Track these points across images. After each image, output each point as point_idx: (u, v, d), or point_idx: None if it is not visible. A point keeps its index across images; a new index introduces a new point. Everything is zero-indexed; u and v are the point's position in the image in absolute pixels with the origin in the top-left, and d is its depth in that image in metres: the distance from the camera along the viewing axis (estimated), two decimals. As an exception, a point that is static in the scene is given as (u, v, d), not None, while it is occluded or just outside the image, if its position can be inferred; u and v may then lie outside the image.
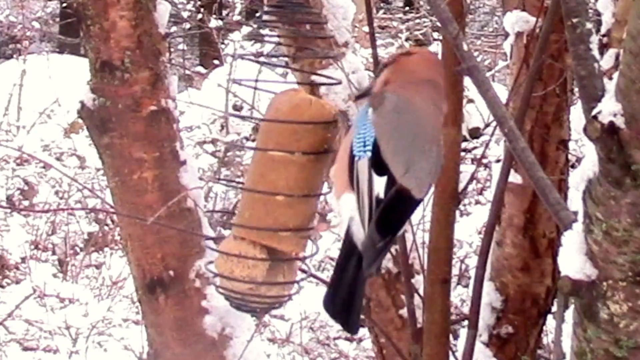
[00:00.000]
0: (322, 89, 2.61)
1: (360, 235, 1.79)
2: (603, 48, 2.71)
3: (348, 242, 1.81)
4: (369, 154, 1.80)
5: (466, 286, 5.35)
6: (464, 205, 6.53)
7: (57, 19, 13.71)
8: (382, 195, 1.78)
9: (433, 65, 1.89)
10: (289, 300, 2.00)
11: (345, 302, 1.80)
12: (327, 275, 6.06)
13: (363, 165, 1.80)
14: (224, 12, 11.60)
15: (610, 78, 1.50)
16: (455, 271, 5.28)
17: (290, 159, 1.88)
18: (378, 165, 1.79)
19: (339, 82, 2.15)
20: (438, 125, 1.86)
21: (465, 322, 2.50)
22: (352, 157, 1.81)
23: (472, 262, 5.41)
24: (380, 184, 1.78)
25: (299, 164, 1.89)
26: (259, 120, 1.99)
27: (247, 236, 1.91)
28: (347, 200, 1.81)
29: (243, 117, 2.20)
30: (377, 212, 1.77)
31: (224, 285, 1.94)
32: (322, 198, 2.04)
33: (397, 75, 1.86)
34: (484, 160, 6.18)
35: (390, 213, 1.78)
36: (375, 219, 1.77)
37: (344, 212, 1.81)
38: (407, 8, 12.96)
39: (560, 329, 2.37)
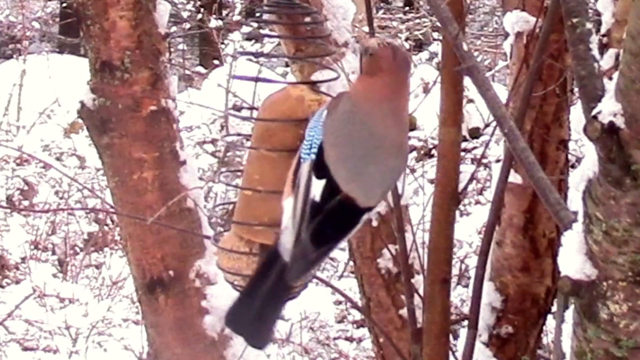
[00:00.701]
0: (323, 87, 2.61)
1: (287, 244, 1.71)
2: (603, 48, 2.71)
3: (273, 250, 1.72)
4: (313, 157, 1.72)
5: (466, 286, 5.35)
6: (464, 205, 6.53)
7: (57, 19, 13.70)
8: (317, 199, 1.69)
9: (398, 84, 1.77)
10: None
11: (256, 315, 1.70)
12: (327, 275, 6.08)
13: (305, 168, 1.72)
14: (224, 12, 11.60)
15: (610, 78, 1.50)
16: (455, 271, 5.28)
17: (262, 154, 1.88)
18: (319, 169, 1.70)
19: (337, 77, 2.15)
20: (399, 137, 1.76)
21: (465, 322, 2.50)
22: (299, 160, 1.75)
23: (472, 262, 5.41)
24: (318, 187, 1.70)
25: (271, 159, 1.88)
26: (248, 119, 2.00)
27: (234, 229, 1.93)
28: (287, 205, 1.74)
29: (243, 117, 2.20)
30: (315, 221, 1.68)
31: (224, 276, 1.96)
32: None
33: (362, 88, 1.78)
34: (484, 160, 6.18)
35: (330, 223, 1.69)
36: (312, 228, 1.68)
37: (284, 217, 1.74)
38: (407, 8, 12.96)
39: (560, 329, 2.37)
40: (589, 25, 1.61)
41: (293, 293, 1.75)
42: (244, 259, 1.90)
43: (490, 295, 3.02)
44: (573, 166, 3.23)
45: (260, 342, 1.78)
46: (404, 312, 2.80)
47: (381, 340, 2.91)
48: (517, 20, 2.87)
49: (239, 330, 1.77)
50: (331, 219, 1.69)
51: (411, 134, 7.88)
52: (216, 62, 9.89)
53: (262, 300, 1.70)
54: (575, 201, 1.55)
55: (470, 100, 7.60)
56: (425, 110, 6.72)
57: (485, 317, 3.00)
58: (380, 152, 1.73)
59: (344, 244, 2.08)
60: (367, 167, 1.72)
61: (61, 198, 7.06)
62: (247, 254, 1.89)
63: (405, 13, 12.30)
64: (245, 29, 9.55)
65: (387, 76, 1.75)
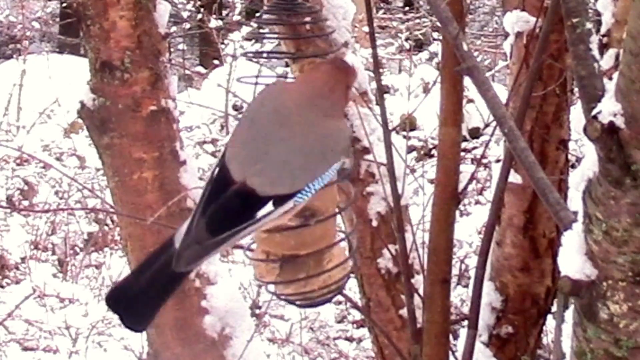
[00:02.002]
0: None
1: (182, 231, 1.68)
2: (603, 48, 2.71)
3: (169, 238, 1.70)
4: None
5: (466, 286, 5.35)
6: (464, 205, 6.53)
7: (57, 19, 13.72)
8: (215, 186, 1.67)
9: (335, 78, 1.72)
10: (326, 297, 1.95)
11: (135, 297, 1.68)
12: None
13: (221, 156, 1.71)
14: (224, 12, 11.61)
15: (610, 78, 1.50)
16: (455, 271, 5.28)
17: None
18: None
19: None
20: (315, 128, 1.68)
21: (465, 322, 2.50)
22: None
23: (472, 262, 5.41)
24: (219, 180, 1.67)
25: None
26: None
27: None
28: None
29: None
30: (212, 208, 1.64)
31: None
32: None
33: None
34: (484, 160, 6.18)
35: (225, 210, 1.65)
36: (209, 215, 1.65)
37: None
38: (407, 8, 12.98)
39: (560, 329, 2.37)
40: (589, 25, 1.61)
41: (182, 281, 1.70)
42: (262, 265, 1.90)
43: (490, 295, 3.02)
44: (573, 166, 3.24)
45: (136, 324, 1.75)
46: (404, 312, 2.80)
47: (381, 340, 2.91)
48: (517, 20, 2.87)
49: (115, 309, 1.73)
50: (229, 208, 1.65)
51: (411, 134, 7.89)
52: (216, 62, 9.90)
53: (145, 284, 1.67)
54: (575, 201, 1.55)
55: (470, 100, 7.61)
56: (425, 110, 6.73)
57: (485, 317, 3.00)
58: (290, 128, 1.66)
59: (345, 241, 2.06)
60: (271, 146, 1.65)
61: (61, 198, 7.07)
62: (264, 260, 1.90)
63: (405, 13, 12.31)
64: (245, 29, 9.55)
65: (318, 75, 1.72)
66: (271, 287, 1.94)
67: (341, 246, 1.94)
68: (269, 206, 1.66)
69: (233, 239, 1.67)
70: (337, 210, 1.92)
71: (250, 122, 1.72)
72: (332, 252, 1.91)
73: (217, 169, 1.70)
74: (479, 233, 5.74)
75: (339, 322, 5.95)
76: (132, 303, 1.69)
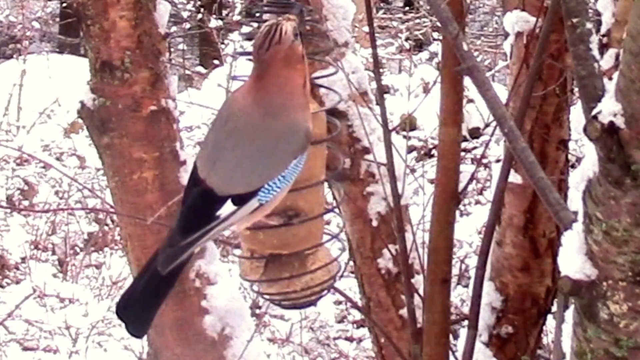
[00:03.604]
0: (322, 89, 2.61)
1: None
2: (603, 48, 2.71)
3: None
4: None
5: (466, 286, 5.35)
6: (464, 205, 6.53)
7: (57, 19, 13.72)
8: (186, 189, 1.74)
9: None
10: (308, 299, 1.95)
11: (136, 302, 1.73)
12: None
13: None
14: (224, 12, 11.61)
15: (610, 78, 1.50)
16: (455, 271, 5.28)
17: None
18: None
19: (335, 72, 2.15)
20: (262, 132, 1.71)
21: (465, 322, 2.50)
22: None
23: (472, 262, 5.41)
24: (191, 178, 1.74)
25: None
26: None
27: None
28: None
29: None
30: (179, 211, 1.72)
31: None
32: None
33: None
34: (484, 160, 6.19)
35: (192, 211, 1.70)
36: (178, 218, 1.71)
37: None
38: (407, 8, 12.98)
39: (560, 329, 2.37)
40: (589, 25, 1.61)
41: (169, 284, 1.73)
42: (247, 263, 1.91)
43: (490, 295, 3.02)
44: (573, 166, 3.24)
45: (136, 330, 1.79)
46: (404, 312, 2.80)
47: (381, 340, 2.91)
48: (517, 20, 2.87)
49: (122, 317, 1.77)
50: (193, 208, 1.71)
51: (411, 134, 7.89)
52: (216, 62, 9.91)
53: (141, 289, 1.73)
54: (575, 201, 1.55)
55: (470, 100, 7.60)
56: (425, 110, 6.73)
57: (485, 317, 3.00)
58: (238, 136, 1.70)
59: (342, 243, 2.07)
60: (223, 152, 1.70)
61: (61, 198, 7.07)
62: (249, 258, 1.90)
63: (405, 13, 12.32)
64: (246, 29, 9.55)
65: (262, 67, 1.71)
66: (255, 286, 1.94)
67: (326, 248, 1.95)
68: (229, 205, 1.70)
69: (203, 239, 1.71)
70: (322, 211, 1.92)
71: (213, 126, 1.78)
72: (317, 254, 1.91)
73: (192, 167, 1.75)
74: (479, 233, 5.74)
75: (339, 322, 5.95)
76: (133, 309, 1.74)
